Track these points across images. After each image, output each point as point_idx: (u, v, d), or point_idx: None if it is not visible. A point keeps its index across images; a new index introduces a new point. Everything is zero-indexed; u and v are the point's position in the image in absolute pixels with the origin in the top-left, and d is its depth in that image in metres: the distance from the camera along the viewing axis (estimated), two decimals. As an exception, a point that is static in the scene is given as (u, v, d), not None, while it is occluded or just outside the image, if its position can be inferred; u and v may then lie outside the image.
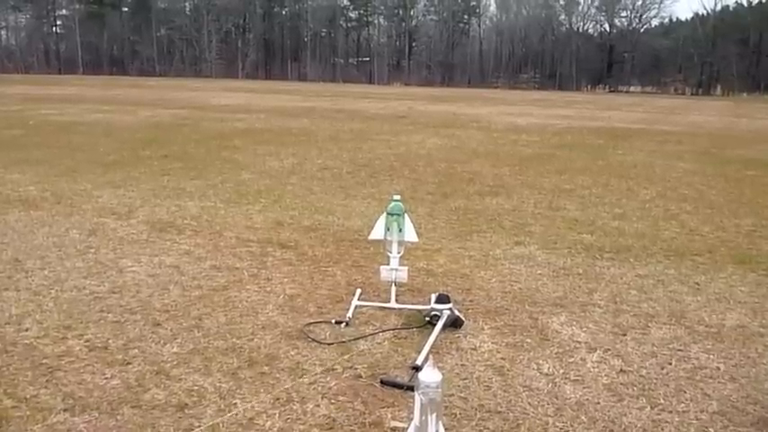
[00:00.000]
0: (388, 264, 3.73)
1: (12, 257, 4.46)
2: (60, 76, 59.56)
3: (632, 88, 68.78)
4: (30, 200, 6.32)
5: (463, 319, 3.46)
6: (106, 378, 2.79)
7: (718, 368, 3.08)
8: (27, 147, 10.24)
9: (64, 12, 78.35)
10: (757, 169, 10.04)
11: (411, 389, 2.54)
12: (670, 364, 3.11)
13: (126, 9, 78.83)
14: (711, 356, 3.20)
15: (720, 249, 5.22)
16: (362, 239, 4.94)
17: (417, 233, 3.90)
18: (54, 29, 78.60)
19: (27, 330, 3.26)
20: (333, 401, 2.66)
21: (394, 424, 2.47)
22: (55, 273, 4.16)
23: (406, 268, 3.77)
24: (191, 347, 3.12)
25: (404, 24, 78.28)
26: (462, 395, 2.74)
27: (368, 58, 78.19)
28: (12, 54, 70.90)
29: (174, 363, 2.95)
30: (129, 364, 2.93)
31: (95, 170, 8.10)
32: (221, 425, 2.47)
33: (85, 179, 7.45)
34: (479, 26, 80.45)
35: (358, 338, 3.27)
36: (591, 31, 76.66)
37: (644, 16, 72.60)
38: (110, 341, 3.16)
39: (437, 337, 3.21)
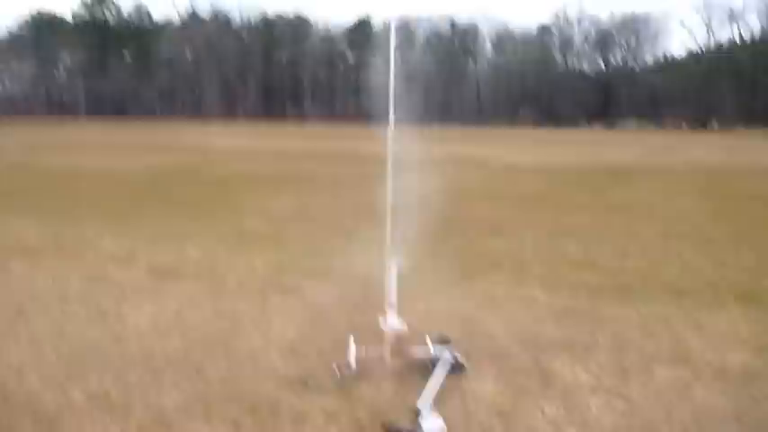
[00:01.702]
0: (388, 309, 3.71)
1: (13, 305, 4.45)
2: (62, 121, 60.14)
3: (629, 125, 69.41)
4: (31, 247, 6.34)
5: (464, 362, 3.45)
6: (107, 428, 2.77)
7: (724, 409, 3.05)
8: (28, 193, 10.31)
9: (67, 59, 79.69)
10: (756, 204, 10.08)
11: (414, 435, 2.52)
12: (674, 405, 3.08)
13: (128, 57, 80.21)
14: (716, 397, 3.18)
15: (722, 286, 5.21)
16: (364, 284, 4.94)
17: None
18: (57, 74, 79.82)
19: (27, 380, 3.25)
20: (335, 449, 2.64)
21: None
22: (56, 320, 4.16)
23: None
24: (192, 395, 3.10)
25: (402, 65, 79.39)
26: (465, 441, 2.71)
27: (367, 100, 79.15)
28: (14, 100, 71.79)
29: (175, 411, 2.93)
30: (129, 413, 2.91)
31: (97, 216, 8.14)
32: (222, 475, 2.44)
33: (87, 225, 7.48)
34: (476, 66, 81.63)
35: (360, 384, 3.25)
36: (587, 69, 77.83)
37: (639, 54, 73.76)
38: (110, 390, 3.14)
39: (439, 381, 3.20)
